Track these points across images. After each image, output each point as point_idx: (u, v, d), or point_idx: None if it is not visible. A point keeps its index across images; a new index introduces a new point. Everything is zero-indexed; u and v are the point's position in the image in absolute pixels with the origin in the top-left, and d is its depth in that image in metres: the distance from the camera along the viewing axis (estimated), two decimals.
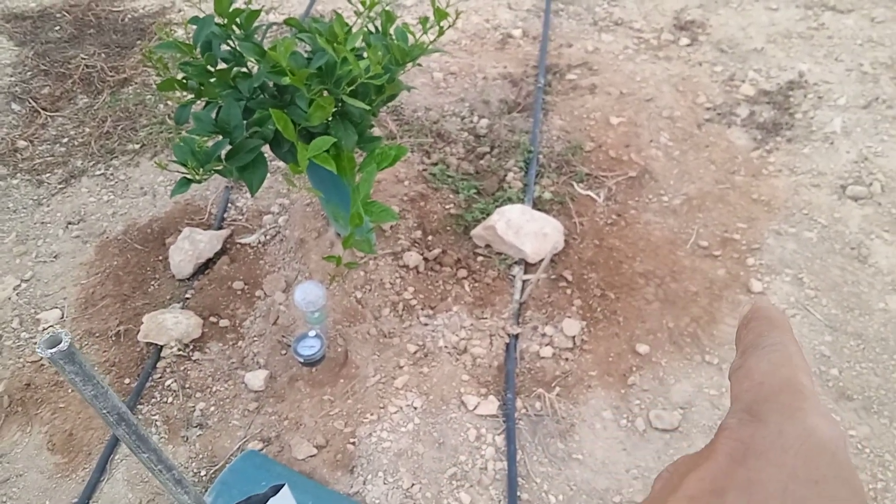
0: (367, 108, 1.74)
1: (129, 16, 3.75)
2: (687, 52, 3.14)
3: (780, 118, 2.78)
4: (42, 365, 2.22)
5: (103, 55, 3.46)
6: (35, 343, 2.29)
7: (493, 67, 3.12)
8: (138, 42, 3.55)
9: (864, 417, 1.92)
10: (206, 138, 1.75)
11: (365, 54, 1.77)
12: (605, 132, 2.77)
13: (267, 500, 1.26)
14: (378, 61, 1.63)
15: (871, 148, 2.61)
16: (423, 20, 1.80)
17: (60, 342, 0.83)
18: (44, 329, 2.33)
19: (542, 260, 2.30)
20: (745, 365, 0.34)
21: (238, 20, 1.80)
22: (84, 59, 3.42)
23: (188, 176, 1.69)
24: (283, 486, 1.27)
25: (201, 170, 1.69)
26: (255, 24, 1.84)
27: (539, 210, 2.43)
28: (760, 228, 2.40)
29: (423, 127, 2.83)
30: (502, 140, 2.76)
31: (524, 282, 2.29)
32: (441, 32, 1.79)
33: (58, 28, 3.68)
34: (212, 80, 1.79)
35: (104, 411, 0.92)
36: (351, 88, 1.70)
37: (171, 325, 2.20)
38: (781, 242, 2.35)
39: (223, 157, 1.74)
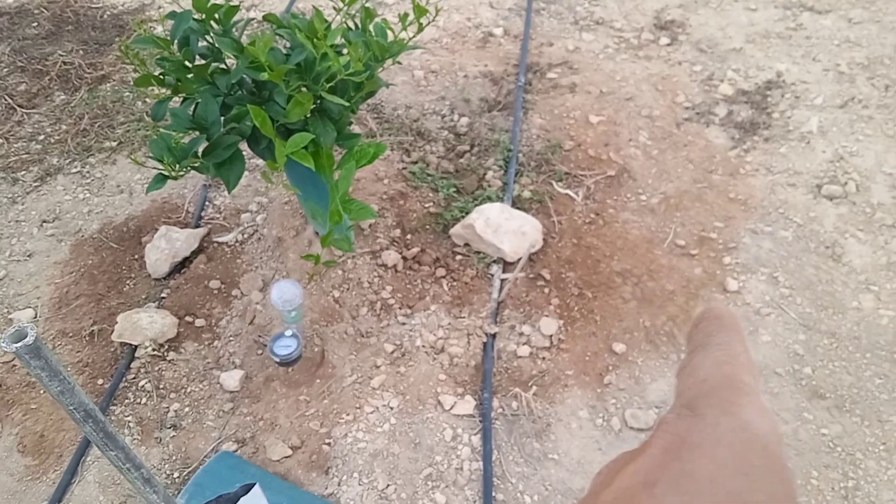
0: (346, 104, 1.73)
1: (108, 12, 3.72)
2: (667, 52, 3.16)
3: (758, 118, 2.79)
4: (14, 365, 2.19)
5: (81, 52, 3.42)
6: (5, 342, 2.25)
7: (474, 66, 3.12)
8: (117, 39, 3.51)
9: (837, 416, 1.93)
10: (182, 134, 1.74)
11: (344, 51, 1.77)
12: (584, 131, 2.78)
13: (238, 500, 1.25)
14: (359, 58, 1.62)
15: (846, 147, 2.64)
16: (403, 16, 1.80)
17: (26, 336, 0.82)
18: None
19: (520, 259, 2.30)
20: (691, 363, 0.34)
21: (216, 15, 1.79)
22: (62, 55, 3.39)
23: (164, 172, 1.67)
24: (254, 485, 1.26)
25: (178, 166, 1.67)
26: (234, 19, 1.83)
27: (518, 209, 2.43)
28: (737, 227, 2.41)
29: (403, 125, 2.82)
30: (482, 139, 2.75)
31: (502, 281, 2.29)
32: (420, 29, 1.79)
33: (35, 24, 3.64)
34: (189, 75, 1.77)
35: (71, 408, 0.90)
36: (330, 85, 1.69)
37: (146, 324, 2.17)
38: (757, 241, 2.37)
39: (200, 153, 1.72)
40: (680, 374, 0.34)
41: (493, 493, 1.81)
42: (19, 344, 0.84)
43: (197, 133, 1.75)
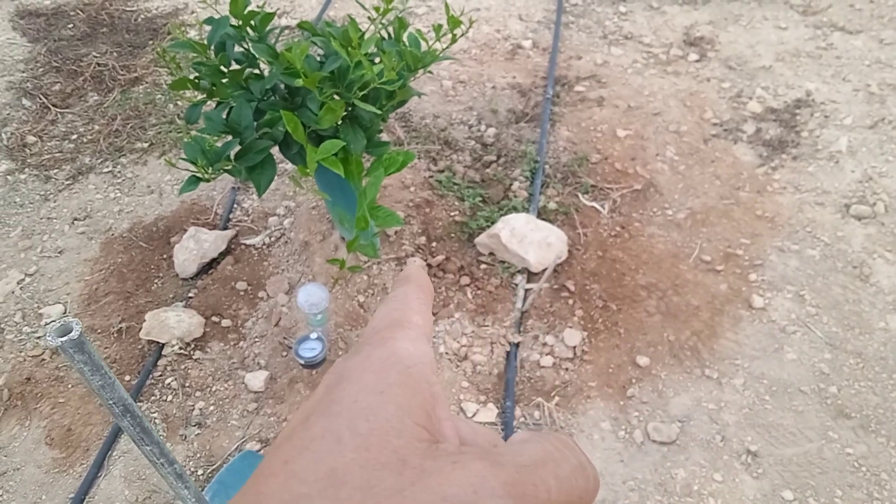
0: (378, 112, 1.75)
1: (143, 16, 3.78)
2: (695, 68, 3.16)
3: (787, 136, 2.79)
4: (43, 359, 2.23)
5: (115, 54, 3.48)
6: (37, 337, 2.30)
7: (503, 77, 3.14)
8: (150, 42, 3.57)
9: (862, 436, 1.92)
10: (216, 138, 1.77)
11: (377, 60, 1.79)
12: (611, 144, 2.78)
13: None
14: (392, 67, 1.64)
15: (875, 168, 2.62)
16: (437, 27, 1.82)
17: (71, 331, 0.84)
18: (46, 324, 2.34)
19: (545, 269, 2.31)
20: (372, 315, 0.37)
21: (252, 22, 1.82)
22: (96, 57, 3.45)
23: (197, 174, 1.70)
24: None
25: (210, 169, 1.70)
26: (269, 26, 1.86)
27: (544, 220, 2.44)
28: (763, 245, 2.41)
29: (430, 134, 2.85)
30: (509, 149, 2.77)
31: (526, 291, 2.29)
32: (454, 40, 1.81)
33: (71, 26, 3.71)
34: (224, 80, 1.81)
35: (110, 402, 0.92)
36: (363, 93, 1.71)
37: (173, 323, 2.20)
38: (784, 259, 2.36)
39: (232, 157, 1.75)
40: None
41: None
42: (64, 338, 0.86)
43: (230, 137, 1.78)
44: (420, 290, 0.38)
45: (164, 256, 2.50)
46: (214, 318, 2.28)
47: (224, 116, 1.80)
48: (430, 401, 0.29)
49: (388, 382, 0.29)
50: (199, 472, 1.93)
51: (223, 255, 2.46)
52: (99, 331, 2.28)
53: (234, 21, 1.81)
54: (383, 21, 1.87)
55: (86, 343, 0.87)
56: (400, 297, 0.37)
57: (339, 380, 0.30)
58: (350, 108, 1.82)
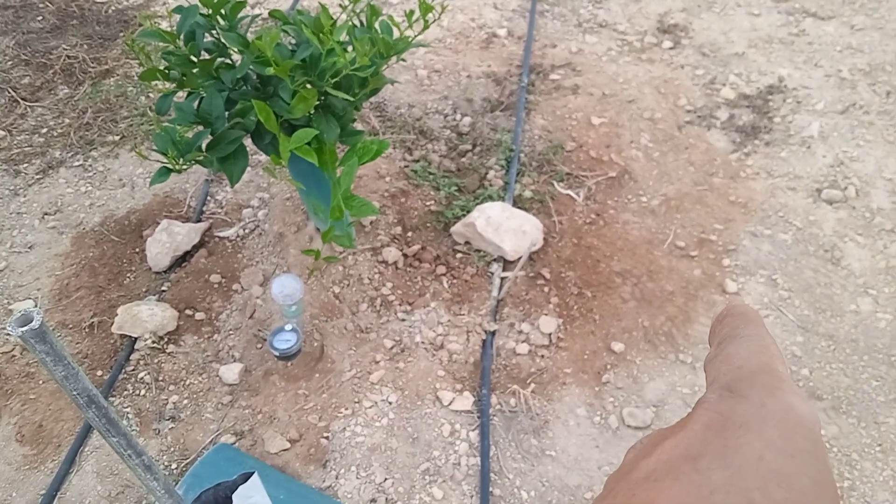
0: (351, 100, 1.74)
1: (113, 7, 3.73)
2: (669, 55, 3.17)
3: (759, 122, 2.81)
4: (13, 356, 2.20)
5: (85, 46, 3.43)
6: (7, 334, 2.26)
7: (478, 66, 3.13)
8: (121, 34, 3.52)
9: (833, 417, 1.94)
10: (187, 128, 1.75)
11: (349, 48, 1.78)
12: (586, 132, 2.79)
13: (236, 487, 1.25)
14: (365, 53, 1.63)
15: (847, 153, 2.65)
16: (409, 14, 1.81)
17: (32, 321, 0.83)
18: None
19: (520, 258, 2.31)
20: (724, 352, 0.34)
21: (223, 11, 1.80)
22: (66, 49, 3.40)
23: (168, 165, 1.68)
24: (252, 473, 1.27)
25: (181, 160, 1.68)
26: (240, 15, 1.84)
27: (519, 208, 2.44)
28: (737, 230, 2.42)
29: (405, 123, 2.83)
30: (484, 138, 2.76)
31: (502, 279, 2.30)
32: (426, 26, 1.80)
33: (40, 18, 3.65)
34: (194, 70, 1.78)
35: (74, 393, 0.91)
36: (335, 80, 1.70)
37: (146, 317, 2.18)
38: (757, 244, 2.38)
39: (204, 147, 1.73)
40: (710, 363, 0.35)
41: (490, 489, 1.81)
42: (25, 328, 0.84)
43: (201, 127, 1.76)
44: (768, 333, 0.35)
45: (137, 250, 2.48)
46: (188, 312, 2.26)
47: (195, 107, 1.78)
48: (833, 479, 0.27)
49: (798, 448, 0.27)
50: (174, 465, 1.91)
51: (197, 247, 2.44)
52: (70, 326, 2.25)
53: (203, 10, 1.79)
54: (355, 9, 1.86)
55: (47, 333, 0.86)
56: (756, 339, 0.34)
57: (727, 423, 0.28)
58: (323, 98, 1.81)
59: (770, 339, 0.34)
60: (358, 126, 2.80)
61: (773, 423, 0.27)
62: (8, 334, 2.25)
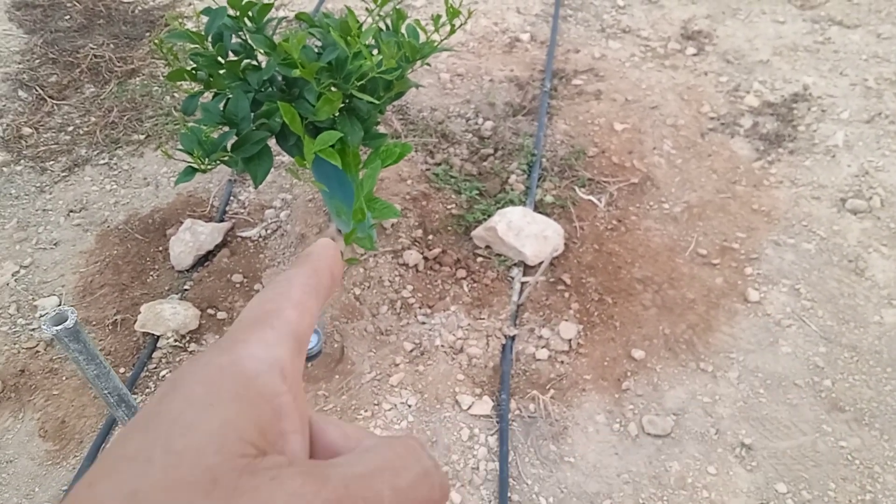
0: (376, 102, 1.75)
1: (139, 7, 3.77)
2: (693, 62, 3.16)
3: (783, 130, 2.79)
4: (37, 352, 2.22)
5: (112, 46, 3.47)
6: (32, 329, 2.29)
7: (500, 70, 3.14)
8: (147, 34, 3.56)
9: (856, 429, 1.92)
10: (212, 129, 1.76)
11: (375, 51, 1.79)
12: (608, 138, 2.78)
13: None
14: (392, 56, 1.64)
15: (872, 162, 2.62)
16: (436, 18, 1.81)
17: (66, 319, 0.84)
18: (40, 316, 2.33)
19: (541, 262, 2.31)
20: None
21: (250, 13, 1.81)
22: (92, 48, 3.44)
23: (193, 165, 1.70)
24: None
25: (207, 159, 1.70)
26: (266, 17, 1.85)
27: (540, 213, 2.44)
28: (759, 238, 2.41)
29: (427, 127, 2.84)
30: (506, 142, 2.77)
31: (522, 284, 2.30)
32: (453, 31, 1.80)
33: (68, 17, 3.70)
34: (221, 71, 1.80)
35: (105, 391, 0.92)
36: (361, 83, 1.71)
37: (168, 315, 2.20)
38: (780, 253, 2.36)
39: (229, 147, 1.75)
40: None
41: (509, 494, 1.81)
42: (59, 327, 0.86)
43: (227, 128, 1.77)
44: (313, 274, 0.33)
45: (160, 249, 2.50)
46: (210, 311, 2.28)
47: (221, 107, 1.80)
48: (267, 414, 0.26)
49: (219, 395, 0.26)
50: None
51: (219, 247, 2.46)
52: (94, 323, 2.27)
53: (231, 11, 1.81)
54: (381, 13, 1.87)
55: (81, 332, 0.87)
56: (281, 284, 0.32)
57: (171, 390, 0.26)
58: (347, 100, 1.82)
59: (302, 279, 0.32)
60: (381, 129, 2.81)
61: (205, 380, 0.26)
62: (32, 330, 2.28)
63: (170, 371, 2.12)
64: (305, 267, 0.33)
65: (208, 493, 0.22)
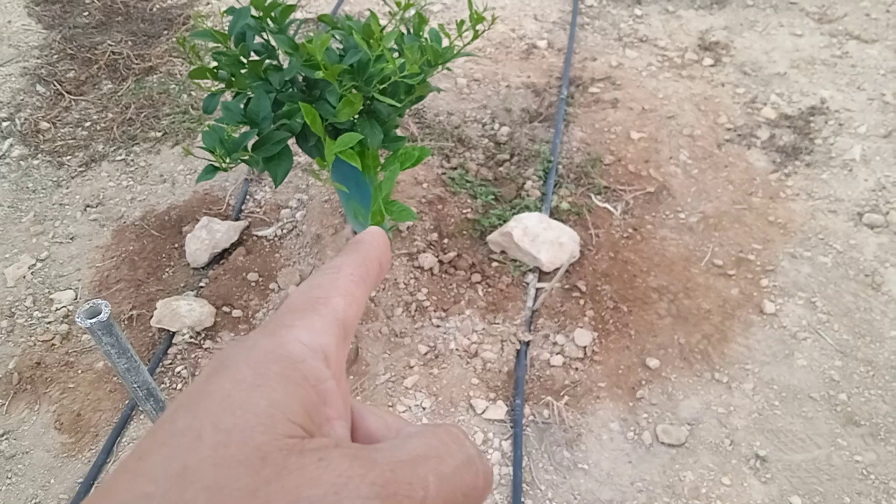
0: (398, 105, 1.75)
1: (158, 6, 3.79)
2: (710, 73, 3.16)
3: (800, 143, 2.78)
4: (53, 344, 2.23)
5: (130, 43, 3.49)
6: (48, 322, 2.30)
7: (517, 76, 3.14)
8: (165, 32, 3.57)
9: (871, 444, 1.92)
10: (234, 128, 1.77)
11: (396, 55, 1.79)
12: (625, 146, 2.78)
13: None
14: (415, 60, 1.65)
15: (889, 177, 2.62)
16: (460, 23, 1.82)
17: (100, 313, 0.84)
18: (57, 309, 2.34)
19: (556, 269, 2.31)
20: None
21: (273, 14, 1.82)
22: (111, 45, 3.45)
23: (215, 163, 1.70)
24: None
25: (228, 158, 1.71)
26: (288, 19, 1.86)
27: (556, 220, 2.44)
28: (776, 250, 2.40)
29: (444, 131, 2.85)
30: (522, 148, 2.77)
31: (538, 290, 2.30)
32: (476, 36, 1.81)
33: (86, 14, 3.72)
34: (243, 70, 1.81)
35: (135, 385, 0.93)
36: (383, 87, 1.72)
37: (184, 312, 2.21)
38: (796, 265, 2.36)
39: (250, 147, 1.76)
40: None
41: (522, 499, 1.81)
42: (94, 320, 0.86)
43: (248, 127, 1.78)
44: (362, 263, 0.33)
45: (176, 245, 2.51)
46: (225, 308, 2.28)
47: (242, 107, 1.81)
48: (313, 397, 0.27)
49: (266, 377, 0.26)
50: None
51: (235, 245, 2.46)
52: None
53: (254, 12, 1.82)
54: (402, 16, 1.88)
55: (114, 326, 0.87)
56: (330, 272, 0.32)
57: (218, 370, 0.27)
58: (368, 103, 1.83)
59: (351, 268, 0.33)
60: (398, 132, 2.81)
61: (252, 361, 0.27)
62: (48, 323, 2.29)
63: (185, 367, 2.12)
64: (355, 255, 0.34)
65: (257, 471, 0.23)
